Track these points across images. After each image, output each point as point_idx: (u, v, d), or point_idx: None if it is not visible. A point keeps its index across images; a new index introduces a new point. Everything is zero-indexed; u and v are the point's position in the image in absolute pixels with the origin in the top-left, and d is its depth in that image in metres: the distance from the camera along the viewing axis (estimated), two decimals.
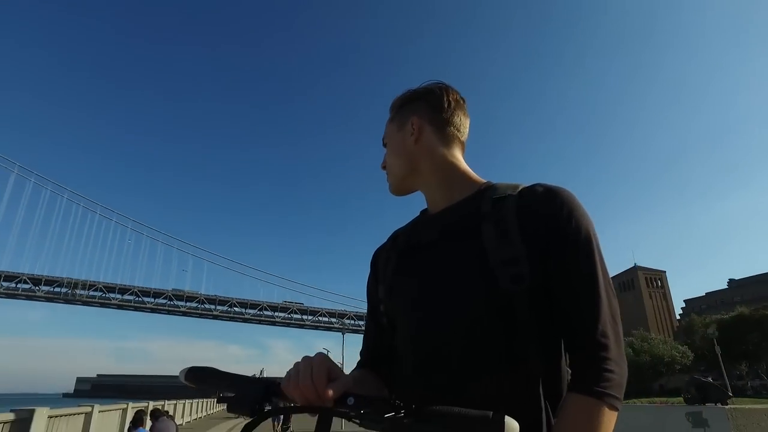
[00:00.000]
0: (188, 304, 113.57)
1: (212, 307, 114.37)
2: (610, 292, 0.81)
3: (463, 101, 1.04)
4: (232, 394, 0.69)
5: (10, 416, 5.46)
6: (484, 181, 0.98)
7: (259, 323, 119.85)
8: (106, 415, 8.74)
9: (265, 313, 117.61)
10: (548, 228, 0.82)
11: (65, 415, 7.11)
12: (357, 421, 0.63)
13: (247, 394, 0.69)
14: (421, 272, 0.91)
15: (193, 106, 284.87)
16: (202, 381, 0.74)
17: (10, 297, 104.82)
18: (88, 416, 7.89)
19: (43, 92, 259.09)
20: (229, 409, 0.70)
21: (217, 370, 0.74)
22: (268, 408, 0.68)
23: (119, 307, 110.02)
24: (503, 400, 0.73)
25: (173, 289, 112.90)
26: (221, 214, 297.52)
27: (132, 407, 9.88)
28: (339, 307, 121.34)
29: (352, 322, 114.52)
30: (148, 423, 6.93)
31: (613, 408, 0.73)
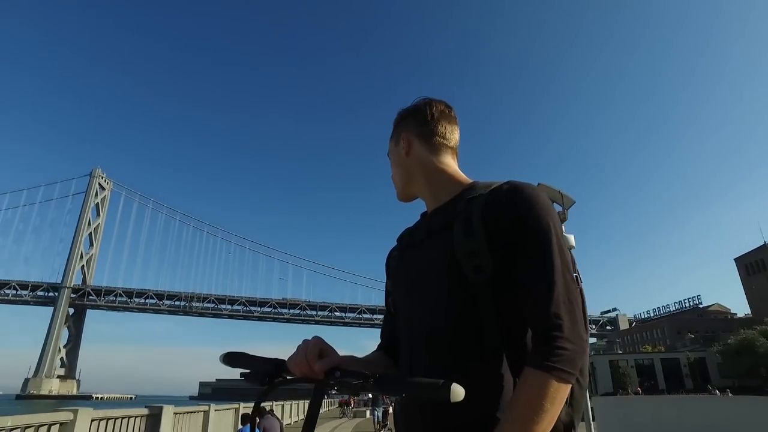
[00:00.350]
0: (291, 311, 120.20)
1: (314, 312, 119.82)
2: (567, 277, 0.87)
3: (449, 110, 1.17)
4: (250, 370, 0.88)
5: (145, 411, 6.46)
6: (471, 181, 1.09)
7: (359, 326, 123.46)
8: (221, 413, 9.77)
9: (364, 315, 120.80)
10: (509, 222, 0.90)
11: (187, 413, 8.12)
12: (336, 389, 0.82)
13: (260, 369, 0.87)
14: (410, 268, 1.07)
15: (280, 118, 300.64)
16: (234, 362, 0.90)
17: (141, 311, 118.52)
18: (206, 414, 8.91)
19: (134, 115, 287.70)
20: (246, 381, 0.88)
21: (246, 353, 0.91)
22: (278, 380, 0.86)
23: (230, 316, 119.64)
24: (470, 378, 0.80)
25: (282, 298, 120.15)
26: (314, 221, 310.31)
27: (243, 407, 10.93)
28: None
29: None
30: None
31: (562, 380, 0.80)
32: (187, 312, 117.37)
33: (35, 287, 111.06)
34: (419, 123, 1.15)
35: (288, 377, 0.87)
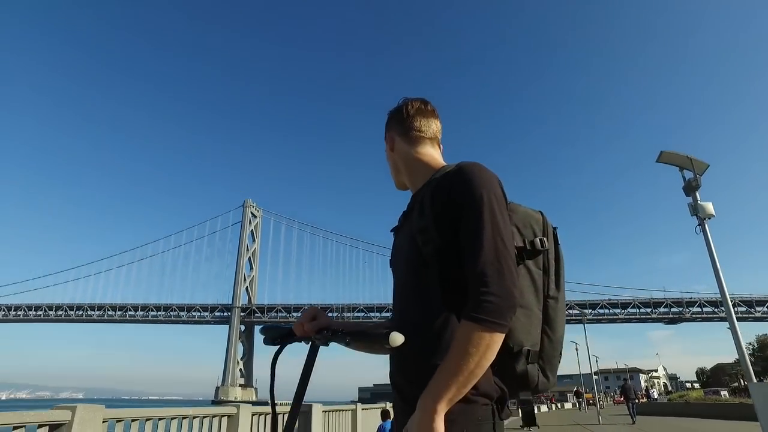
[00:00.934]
0: None
1: None
2: (497, 239, 1.00)
3: (424, 106, 1.36)
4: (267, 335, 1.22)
5: None
6: (441, 166, 1.26)
7: None
8: (368, 412, 10.36)
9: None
10: (449, 200, 1.08)
11: (336, 411, 8.83)
12: (318, 342, 1.09)
13: (275, 333, 1.21)
14: (394, 247, 1.29)
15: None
16: (263, 331, 1.23)
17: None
18: (354, 412, 9.58)
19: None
20: (264, 343, 1.20)
21: (276, 326, 1.23)
22: (284, 340, 1.19)
23: None
24: (422, 335, 1.05)
25: None
26: None
27: (388, 405, 11.47)
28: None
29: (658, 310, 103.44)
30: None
31: (487, 328, 0.93)
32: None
33: (213, 309, 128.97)
34: (398, 121, 1.35)
35: (293, 338, 1.17)
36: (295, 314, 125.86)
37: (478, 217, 1.02)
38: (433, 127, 1.34)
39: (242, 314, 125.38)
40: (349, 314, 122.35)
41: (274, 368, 1.17)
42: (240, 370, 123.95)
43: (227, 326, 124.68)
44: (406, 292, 1.16)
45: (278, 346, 1.19)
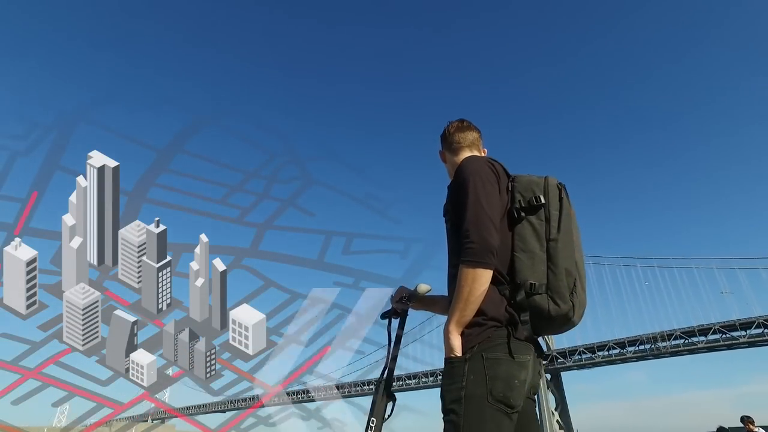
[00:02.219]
0: None
1: None
2: (477, 206, 1.43)
3: (461, 123, 1.85)
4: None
5: None
6: None
7: None
8: None
9: None
10: (455, 185, 1.57)
11: None
12: (400, 309, 1.77)
13: (385, 313, 1.79)
14: None
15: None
16: (381, 314, 1.84)
17: (608, 363, 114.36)
18: None
19: None
20: (381, 317, 1.81)
21: (387, 309, 1.83)
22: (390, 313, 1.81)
23: (709, 349, 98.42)
24: (449, 290, 1.51)
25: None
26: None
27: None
28: None
29: None
30: None
31: (470, 265, 1.36)
32: (657, 354, 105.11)
33: None
34: (444, 139, 1.87)
35: (392, 312, 1.79)
36: (600, 353, 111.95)
37: (465, 195, 1.46)
38: (469, 137, 1.82)
39: (544, 362, 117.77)
40: (664, 343, 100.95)
41: (390, 334, 1.76)
42: (557, 421, 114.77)
43: None
44: (448, 256, 1.61)
45: (387, 320, 1.78)
